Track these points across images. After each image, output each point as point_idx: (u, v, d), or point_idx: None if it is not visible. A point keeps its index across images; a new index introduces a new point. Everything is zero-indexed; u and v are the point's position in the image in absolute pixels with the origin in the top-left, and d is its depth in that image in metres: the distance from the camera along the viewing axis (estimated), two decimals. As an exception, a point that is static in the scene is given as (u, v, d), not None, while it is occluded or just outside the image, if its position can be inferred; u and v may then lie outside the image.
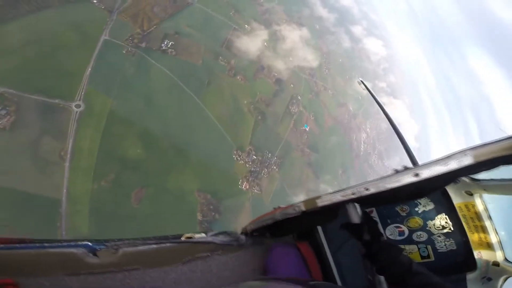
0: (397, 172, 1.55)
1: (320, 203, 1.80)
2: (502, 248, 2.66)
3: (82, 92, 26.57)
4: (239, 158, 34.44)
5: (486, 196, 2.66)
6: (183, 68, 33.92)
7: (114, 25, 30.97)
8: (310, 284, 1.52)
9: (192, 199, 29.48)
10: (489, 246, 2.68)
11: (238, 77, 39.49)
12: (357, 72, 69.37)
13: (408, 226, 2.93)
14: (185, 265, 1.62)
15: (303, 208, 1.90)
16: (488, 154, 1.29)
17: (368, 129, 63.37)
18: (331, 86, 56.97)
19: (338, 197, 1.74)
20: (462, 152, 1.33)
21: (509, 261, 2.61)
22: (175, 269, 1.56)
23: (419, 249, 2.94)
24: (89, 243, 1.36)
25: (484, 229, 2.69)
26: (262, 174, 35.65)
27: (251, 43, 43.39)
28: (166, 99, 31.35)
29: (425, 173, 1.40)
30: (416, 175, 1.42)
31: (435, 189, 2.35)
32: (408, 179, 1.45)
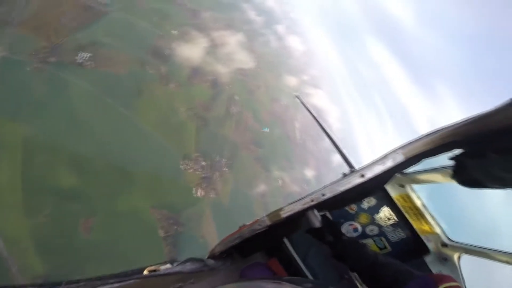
0: (345, 175, 1.73)
1: (284, 214, 1.79)
2: (443, 230, 2.78)
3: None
4: (187, 167, 32.41)
5: (416, 186, 2.76)
6: (106, 80, 30.11)
7: (13, 39, 25.52)
8: (284, 279, 1.34)
9: (148, 217, 26.80)
10: (432, 230, 2.79)
11: (171, 85, 36.95)
12: (285, 68, 73.26)
13: (359, 222, 3.00)
14: None
15: (268, 222, 1.86)
16: (414, 150, 1.48)
17: (299, 118, 66.90)
18: (264, 83, 58.62)
19: (299, 206, 1.77)
20: (394, 152, 1.48)
21: (453, 241, 2.72)
22: None
23: (375, 241, 3.01)
24: None
25: (423, 216, 2.80)
26: (215, 178, 34.42)
27: (182, 49, 41.07)
28: (92, 116, 27.46)
29: (369, 173, 1.51)
30: (362, 176, 1.53)
31: (379, 187, 2.38)
32: (356, 180, 1.56)
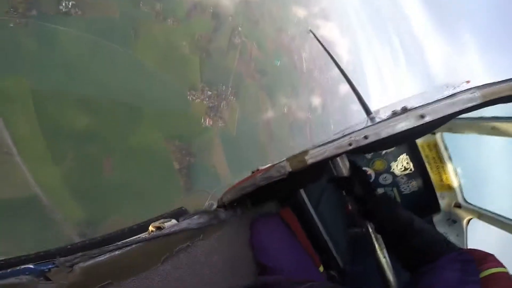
0: (395, 114, 1.25)
1: (310, 159, 1.35)
2: (461, 190, 2.52)
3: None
4: (194, 98, 31.25)
5: (448, 135, 2.44)
6: (98, 25, 26.94)
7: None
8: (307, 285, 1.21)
9: (162, 150, 26.94)
10: (450, 187, 2.54)
11: (168, 21, 33.06)
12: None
13: (374, 169, 2.70)
14: (166, 264, 1.23)
15: (288, 169, 1.40)
16: (497, 93, 1.16)
17: (306, 49, 62.96)
18: (269, 14, 52.47)
19: (332, 150, 1.31)
20: (469, 91, 1.17)
21: (469, 203, 2.48)
22: (155, 271, 1.17)
23: (385, 192, 2.72)
24: (31, 266, 0.93)
25: (445, 170, 2.55)
26: (222, 106, 33.50)
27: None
28: (92, 61, 25.38)
29: (431, 114, 1.18)
30: (421, 116, 1.18)
31: (430, 130, 2.02)
32: (411, 121, 1.20)
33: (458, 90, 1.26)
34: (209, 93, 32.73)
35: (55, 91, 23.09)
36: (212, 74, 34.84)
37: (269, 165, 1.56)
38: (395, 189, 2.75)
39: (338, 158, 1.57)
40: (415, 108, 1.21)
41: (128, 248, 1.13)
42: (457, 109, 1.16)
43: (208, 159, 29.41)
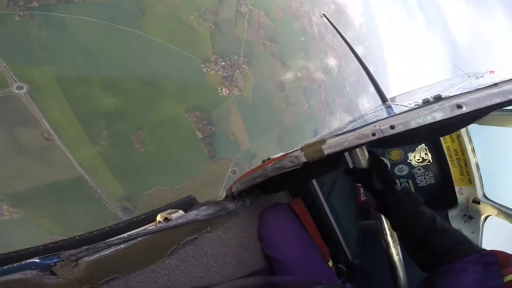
0: (427, 103, 1.09)
1: (328, 149, 1.19)
2: (482, 184, 2.33)
3: (11, 74, 21.08)
4: (209, 69, 31.27)
5: (473, 127, 2.20)
6: (102, 9, 26.37)
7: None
8: None
9: (185, 121, 27.78)
10: (470, 181, 2.35)
11: None
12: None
13: (389, 159, 2.52)
14: (173, 257, 1.21)
15: (303, 159, 1.24)
16: None
17: (317, 13, 59.64)
18: None
19: (352, 141, 1.14)
20: None
21: (489, 199, 2.30)
22: (161, 265, 1.15)
23: (400, 183, 2.53)
24: (36, 260, 0.91)
25: (466, 163, 2.35)
26: (236, 75, 33.41)
27: None
28: (105, 43, 25.36)
29: (470, 105, 0.99)
30: (459, 107, 1.00)
31: (459, 127, 1.78)
32: (445, 113, 1.01)
33: (493, 79, 1.12)
34: (223, 63, 32.45)
35: (78, 76, 23.73)
36: (223, 45, 34.15)
37: (281, 154, 1.48)
38: (410, 181, 2.58)
39: (359, 149, 1.43)
40: (451, 97, 1.08)
41: (134, 241, 1.09)
42: (499, 100, 0.99)
43: (227, 128, 29.93)
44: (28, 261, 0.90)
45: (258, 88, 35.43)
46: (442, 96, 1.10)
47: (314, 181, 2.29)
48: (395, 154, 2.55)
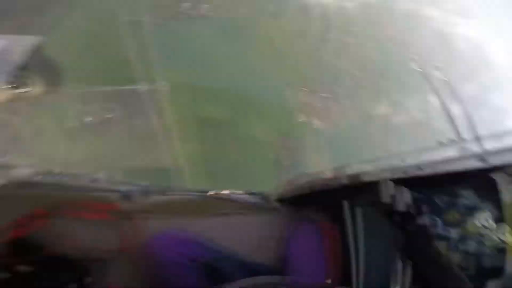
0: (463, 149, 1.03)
1: (365, 177, 1.28)
2: None
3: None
4: (301, 94, 31.49)
5: None
6: (224, 24, 30.39)
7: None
8: None
9: (269, 142, 28.79)
10: None
11: (282, 19, 34.71)
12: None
13: (444, 221, 1.73)
14: (206, 220, 1.47)
15: (345, 181, 1.39)
16: None
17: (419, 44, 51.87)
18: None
19: (386, 174, 1.18)
20: None
21: None
22: (196, 222, 1.43)
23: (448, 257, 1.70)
24: (121, 189, 1.32)
25: None
26: (324, 105, 31.32)
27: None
28: (221, 58, 28.91)
29: (494, 159, 0.88)
30: (482, 159, 0.89)
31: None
32: (468, 161, 0.94)
33: None
34: (315, 91, 32.74)
35: (195, 85, 28.06)
36: (317, 71, 34.27)
37: (331, 173, 1.58)
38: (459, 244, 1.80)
39: (398, 188, 1.27)
40: (477, 152, 0.98)
41: (187, 196, 1.41)
42: None
43: (308, 157, 29.48)
44: (116, 187, 1.32)
45: (350, 123, 33.16)
46: (473, 150, 1.02)
47: (346, 208, 1.89)
48: (451, 215, 1.54)
